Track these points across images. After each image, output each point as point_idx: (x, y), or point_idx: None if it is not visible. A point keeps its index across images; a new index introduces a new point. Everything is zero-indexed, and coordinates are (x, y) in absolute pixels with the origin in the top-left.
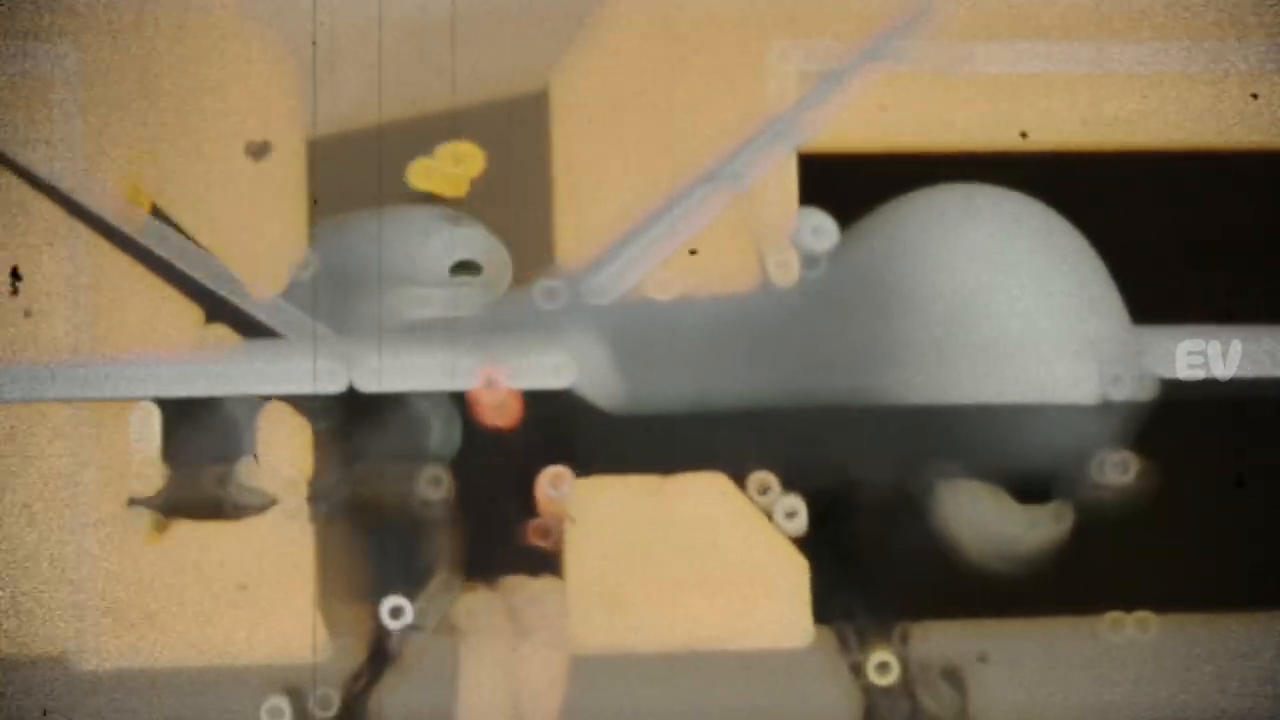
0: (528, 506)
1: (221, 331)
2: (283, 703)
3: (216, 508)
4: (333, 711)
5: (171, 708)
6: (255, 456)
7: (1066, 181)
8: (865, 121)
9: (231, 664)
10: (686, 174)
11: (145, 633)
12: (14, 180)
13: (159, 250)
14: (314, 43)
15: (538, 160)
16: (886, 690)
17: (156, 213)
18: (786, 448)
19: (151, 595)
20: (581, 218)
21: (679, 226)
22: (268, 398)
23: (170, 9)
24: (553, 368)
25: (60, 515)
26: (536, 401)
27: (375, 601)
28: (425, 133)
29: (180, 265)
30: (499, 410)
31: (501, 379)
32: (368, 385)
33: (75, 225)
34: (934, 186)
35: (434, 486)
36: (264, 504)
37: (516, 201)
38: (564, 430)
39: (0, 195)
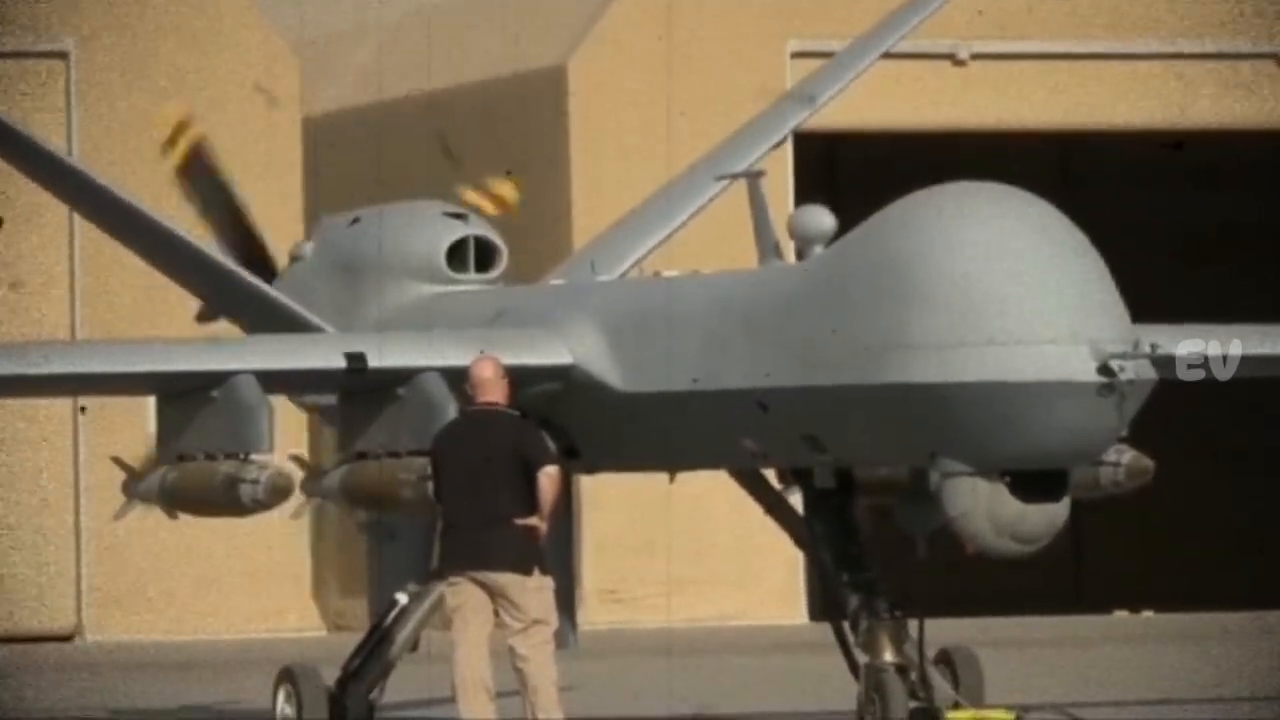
0: (519, 494)
1: (220, 325)
2: (285, 680)
3: (229, 503)
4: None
5: (177, 683)
6: (270, 451)
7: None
8: (868, 105)
9: (235, 640)
10: (694, 156)
11: (150, 610)
12: (15, 177)
13: (159, 243)
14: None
15: (554, 139)
16: (886, 671)
17: (196, 155)
18: (786, 431)
19: (155, 575)
20: (596, 196)
21: (686, 207)
22: (269, 386)
23: (170, 2)
24: (557, 345)
25: (67, 500)
26: (539, 378)
27: (372, 586)
28: (428, 118)
29: (180, 257)
30: (491, 385)
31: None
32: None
33: (75, 218)
34: (938, 185)
35: (421, 476)
36: (279, 500)
37: (534, 182)
38: (566, 407)
39: (0, 192)
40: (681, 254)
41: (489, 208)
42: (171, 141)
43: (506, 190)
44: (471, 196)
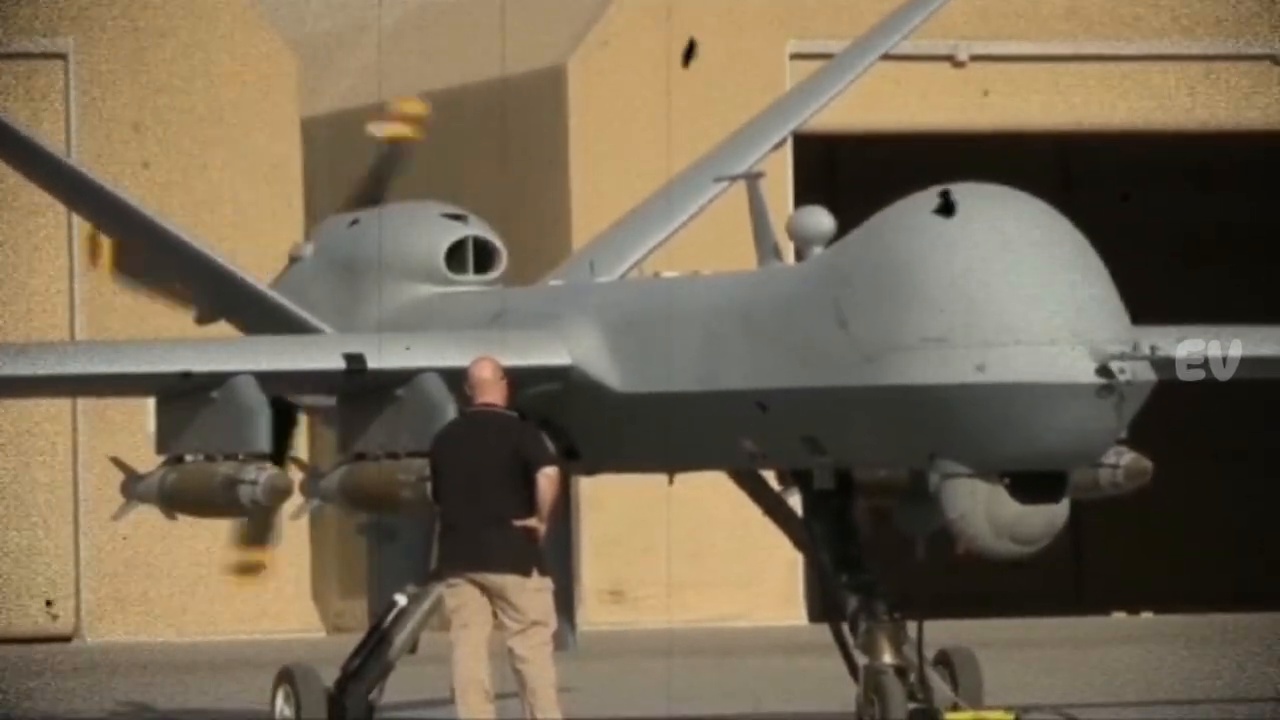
0: (518, 495)
1: (217, 328)
2: (284, 681)
3: (228, 504)
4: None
5: (177, 683)
6: (270, 453)
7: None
8: (868, 105)
9: (235, 640)
10: (694, 157)
11: (150, 611)
12: (15, 178)
13: (160, 245)
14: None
15: (554, 139)
16: (885, 673)
17: (122, 253)
18: (786, 432)
19: (155, 576)
20: (596, 196)
21: (686, 208)
22: (268, 387)
23: (169, 3)
24: (556, 346)
25: (67, 500)
26: (538, 379)
27: (372, 586)
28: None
29: (181, 259)
30: (490, 386)
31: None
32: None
33: (76, 222)
34: (938, 186)
35: (420, 477)
36: (278, 501)
37: (534, 182)
38: (565, 408)
39: (0, 193)
40: (681, 254)
41: (405, 131)
42: (93, 260)
43: (413, 106)
44: (380, 128)
